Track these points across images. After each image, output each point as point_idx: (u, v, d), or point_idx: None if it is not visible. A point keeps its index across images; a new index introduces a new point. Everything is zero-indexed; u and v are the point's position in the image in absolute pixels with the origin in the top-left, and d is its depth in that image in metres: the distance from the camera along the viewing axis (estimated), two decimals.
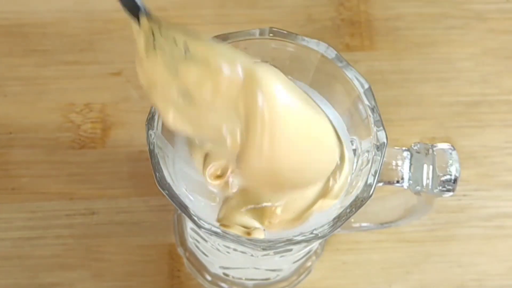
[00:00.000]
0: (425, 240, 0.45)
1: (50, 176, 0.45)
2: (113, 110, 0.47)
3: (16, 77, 0.48)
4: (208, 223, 0.30)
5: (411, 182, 0.33)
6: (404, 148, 0.33)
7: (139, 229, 0.44)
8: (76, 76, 0.48)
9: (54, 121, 0.46)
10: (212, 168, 0.32)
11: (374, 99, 0.32)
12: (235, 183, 0.31)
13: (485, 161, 0.47)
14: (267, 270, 0.40)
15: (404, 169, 0.33)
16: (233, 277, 0.41)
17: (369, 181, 0.31)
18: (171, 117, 0.29)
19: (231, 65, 0.28)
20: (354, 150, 0.33)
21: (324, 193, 0.32)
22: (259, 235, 0.31)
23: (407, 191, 0.34)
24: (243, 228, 0.31)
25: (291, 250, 0.33)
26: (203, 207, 0.32)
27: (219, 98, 0.28)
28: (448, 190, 0.33)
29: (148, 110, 0.31)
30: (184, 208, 0.30)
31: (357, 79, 0.32)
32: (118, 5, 0.28)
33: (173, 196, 0.30)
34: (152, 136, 0.31)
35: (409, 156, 0.33)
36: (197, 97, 0.28)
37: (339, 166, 0.32)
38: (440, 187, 0.33)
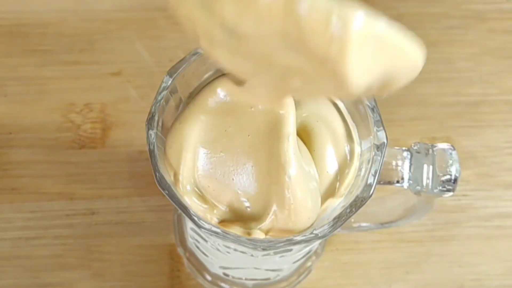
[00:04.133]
0: (425, 240, 0.45)
1: (50, 176, 0.45)
2: (113, 110, 0.47)
3: (16, 77, 0.48)
4: (208, 223, 0.30)
5: (411, 182, 0.33)
6: (404, 148, 0.33)
7: (139, 229, 0.44)
8: (76, 76, 0.48)
9: (54, 121, 0.46)
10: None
11: (374, 99, 0.32)
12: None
13: (485, 161, 0.47)
14: (267, 270, 0.40)
15: (404, 169, 0.33)
16: (233, 277, 0.41)
17: (369, 181, 0.31)
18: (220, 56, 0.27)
19: None
20: None
21: (331, 192, 0.32)
22: (259, 235, 0.31)
23: (407, 191, 0.34)
24: (243, 229, 0.31)
25: (291, 250, 0.33)
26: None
27: (263, 26, 0.25)
28: (448, 190, 0.33)
29: (148, 110, 0.31)
30: (184, 208, 0.30)
31: None
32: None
33: (173, 196, 0.30)
34: (152, 136, 0.31)
35: (409, 156, 0.33)
36: (240, 30, 0.26)
37: (349, 163, 0.32)
38: (440, 187, 0.33)
